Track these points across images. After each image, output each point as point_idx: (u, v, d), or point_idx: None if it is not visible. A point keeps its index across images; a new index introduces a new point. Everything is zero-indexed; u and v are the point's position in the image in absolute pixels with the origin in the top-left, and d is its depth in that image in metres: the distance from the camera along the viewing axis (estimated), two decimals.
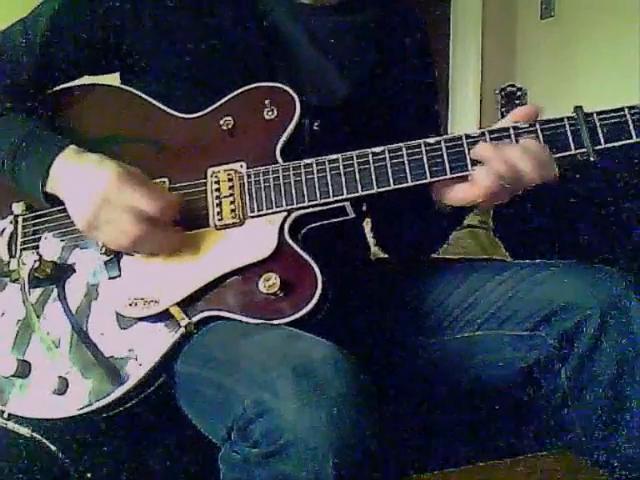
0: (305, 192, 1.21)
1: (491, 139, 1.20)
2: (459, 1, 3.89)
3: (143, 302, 1.21)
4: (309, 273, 1.17)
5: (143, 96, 1.33)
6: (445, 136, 1.22)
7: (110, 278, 1.25)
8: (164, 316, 1.20)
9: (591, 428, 1.26)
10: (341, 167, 1.21)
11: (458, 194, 1.23)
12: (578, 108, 1.19)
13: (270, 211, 1.22)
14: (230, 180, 1.24)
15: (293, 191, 1.22)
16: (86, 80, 1.39)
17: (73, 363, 1.21)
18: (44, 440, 1.20)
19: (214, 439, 1.12)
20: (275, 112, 1.27)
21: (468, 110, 3.70)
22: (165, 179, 1.27)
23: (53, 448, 1.20)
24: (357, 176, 1.21)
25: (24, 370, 1.21)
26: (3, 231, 1.31)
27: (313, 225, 1.24)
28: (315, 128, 1.29)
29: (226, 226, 1.23)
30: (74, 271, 1.27)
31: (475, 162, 1.20)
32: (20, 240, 1.30)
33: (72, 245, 1.28)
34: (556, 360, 1.27)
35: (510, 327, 1.30)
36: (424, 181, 1.20)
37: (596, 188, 2.23)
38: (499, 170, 1.17)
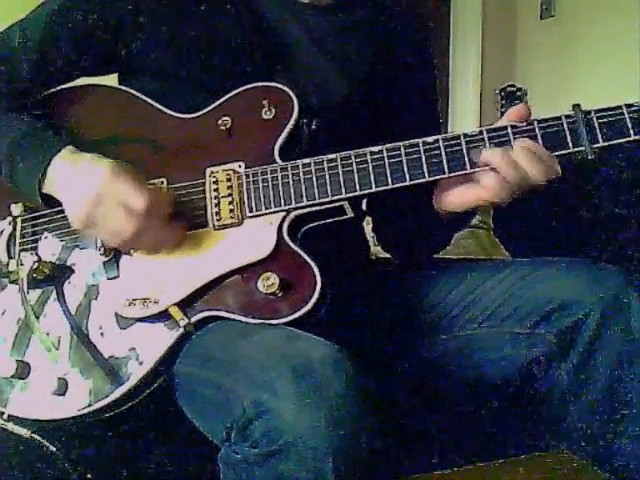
0: (303, 192, 1.21)
1: (489, 138, 1.20)
2: (459, 1, 3.89)
3: (142, 302, 1.21)
4: (308, 273, 1.17)
5: (141, 96, 1.33)
6: (443, 135, 1.21)
7: (109, 279, 1.25)
8: (163, 316, 1.20)
9: (591, 426, 1.26)
10: (339, 166, 1.21)
11: (466, 197, 1.24)
12: (576, 106, 1.19)
13: (269, 211, 1.22)
14: (229, 180, 1.24)
15: (292, 191, 1.22)
16: (84, 81, 1.39)
17: (72, 364, 1.21)
18: (44, 441, 1.19)
19: (214, 439, 1.12)
20: (273, 112, 1.27)
21: (468, 110, 3.71)
22: (163, 179, 1.26)
23: (53, 449, 1.20)
24: (355, 175, 1.21)
25: (24, 371, 1.21)
26: (2, 232, 1.31)
27: (312, 225, 1.24)
28: (313, 128, 1.29)
29: (225, 226, 1.23)
30: (73, 272, 1.27)
31: (474, 163, 1.20)
32: (19, 241, 1.29)
33: (71, 246, 1.28)
34: (556, 358, 1.27)
35: (510, 325, 1.30)
36: (422, 180, 1.20)
37: (596, 187, 2.23)
38: (508, 174, 1.17)
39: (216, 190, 1.24)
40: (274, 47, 1.36)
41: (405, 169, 1.20)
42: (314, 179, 1.21)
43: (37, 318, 1.23)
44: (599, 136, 1.18)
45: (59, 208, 1.24)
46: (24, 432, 1.20)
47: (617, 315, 1.23)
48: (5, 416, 1.20)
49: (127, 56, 1.34)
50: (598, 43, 3.38)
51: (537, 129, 1.19)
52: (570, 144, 1.18)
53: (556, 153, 1.18)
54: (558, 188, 1.24)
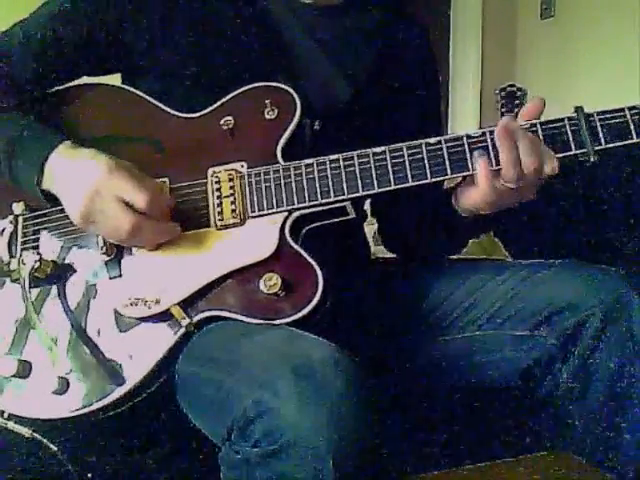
0: (306, 192, 1.22)
1: (492, 139, 1.20)
2: (459, 1, 3.89)
3: (144, 302, 1.21)
4: (310, 273, 1.17)
5: (143, 96, 1.33)
6: (446, 136, 1.22)
7: (111, 278, 1.25)
8: (165, 316, 1.21)
9: (592, 428, 1.26)
10: (342, 167, 1.21)
11: (470, 196, 1.24)
12: (579, 108, 1.19)
13: (271, 211, 1.22)
14: (231, 180, 1.24)
15: (294, 191, 1.22)
16: (87, 80, 1.39)
17: (73, 363, 1.21)
18: (44, 440, 1.19)
19: (214, 439, 1.12)
20: (276, 112, 1.27)
21: (468, 110, 3.70)
22: (165, 179, 1.26)
23: (53, 448, 1.20)
24: (358, 176, 1.21)
25: (24, 370, 1.21)
26: (3, 231, 1.31)
27: (314, 225, 1.24)
28: (316, 128, 1.29)
29: (227, 226, 1.23)
30: (74, 271, 1.27)
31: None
32: (20, 240, 1.30)
33: (72, 245, 1.28)
34: (557, 360, 1.27)
35: (511, 327, 1.30)
36: (425, 181, 1.20)
37: (596, 188, 2.23)
38: (505, 159, 1.17)
39: (218, 190, 1.24)
40: (277, 48, 1.37)
41: (407, 170, 1.20)
42: (317, 179, 1.22)
43: (38, 317, 1.22)
44: (601, 138, 1.18)
45: (61, 207, 1.24)
46: (24, 431, 1.19)
47: (618, 317, 1.23)
48: (5, 415, 1.20)
49: (129, 55, 1.34)
50: (598, 43, 3.37)
51: (539, 130, 1.19)
52: (572, 146, 1.19)
53: (558, 155, 1.18)
54: (559, 189, 1.24)
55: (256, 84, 1.30)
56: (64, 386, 1.19)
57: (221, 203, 1.24)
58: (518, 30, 3.80)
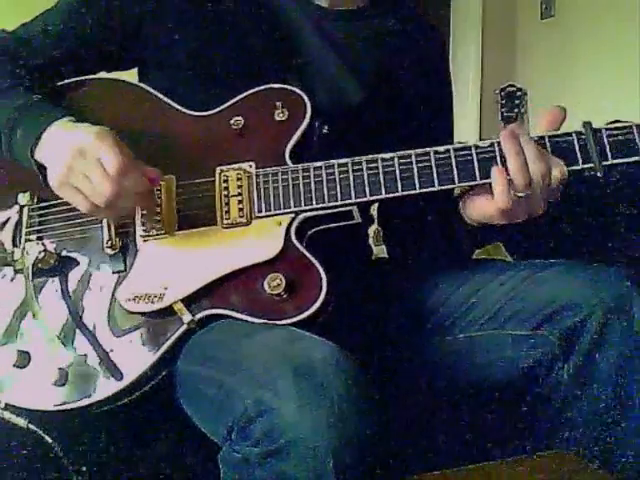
0: (313, 195, 1.22)
1: (500, 150, 1.20)
2: (459, 1, 3.88)
3: (147, 297, 1.21)
4: (314, 275, 1.17)
5: (154, 92, 1.34)
6: (455, 145, 1.22)
7: (114, 272, 1.25)
8: (167, 312, 1.21)
9: (593, 427, 1.27)
10: (350, 171, 1.22)
11: (483, 209, 1.25)
12: (587, 124, 1.20)
13: (278, 212, 1.22)
14: (239, 179, 1.25)
15: (301, 193, 1.22)
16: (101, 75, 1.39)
17: (74, 355, 1.21)
18: (40, 431, 1.19)
19: (214, 438, 1.12)
20: (286, 114, 1.27)
21: (468, 110, 3.69)
22: (173, 176, 1.27)
23: (49, 440, 1.20)
24: (366, 181, 1.21)
25: (23, 361, 1.21)
26: (8, 220, 1.30)
27: (319, 228, 1.24)
28: (325, 131, 1.29)
29: (233, 225, 1.23)
30: (78, 263, 1.27)
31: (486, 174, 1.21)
32: (25, 230, 1.29)
33: (77, 237, 1.28)
34: (558, 360, 1.28)
35: (512, 327, 1.31)
36: (432, 189, 1.21)
37: (596, 187, 2.23)
38: (514, 163, 1.17)
39: (226, 189, 1.24)
40: (289, 49, 1.37)
41: (415, 177, 1.20)
42: (324, 182, 1.22)
43: (40, 308, 1.23)
44: (609, 154, 1.18)
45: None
46: (21, 422, 1.19)
47: (619, 316, 1.23)
48: (2, 405, 1.20)
49: (143, 52, 1.35)
50: (598, 43, 3.37)
51: (547, 143, 1.20)
52: (580, 160, 1.19)
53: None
54: (560, 190, 1.24)
55: (267, 86, 1.30)
56: (64, 378, 1.19)
57: (228, 202, 1.24)
58: (518, 30, 3.80)
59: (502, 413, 1.36)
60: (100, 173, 1.15)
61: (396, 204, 1.28)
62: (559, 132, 1.20)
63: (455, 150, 1.21)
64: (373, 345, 1.34)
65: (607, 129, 1.19)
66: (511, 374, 1.32)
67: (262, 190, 1.24)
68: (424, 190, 1.20)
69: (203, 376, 1.16)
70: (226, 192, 1.24)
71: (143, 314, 1.22)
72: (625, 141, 1.19)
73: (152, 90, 1.34)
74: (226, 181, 1.25)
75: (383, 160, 1.22)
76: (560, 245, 2.06)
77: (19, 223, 1.30)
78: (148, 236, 1.25)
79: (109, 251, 1.25)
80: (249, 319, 1.17)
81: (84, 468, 1.24)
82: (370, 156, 1.22)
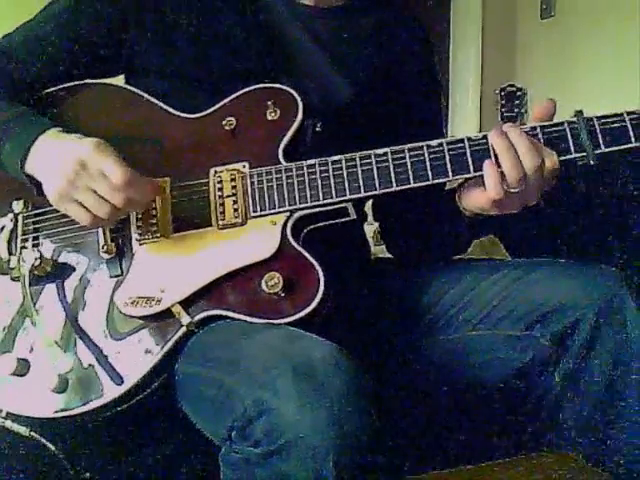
0: (308, 193, 1.22)
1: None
2: (459, 1, 3.88)
3: (145, 301, 1.21)
4: (311, 273, 1.17)
5: (145, 96, 1.34)
6: (447, 139, 1.22)
7: (111, 277, 1.25)
8: (165, 315, 1.21)
9: (585, 428, 1.27)
10: (344, 168, 1.22)
11: (476, 199, 1.25)
12: (579, 112, 1.20)
13: (273, 211, 1.23)
14: (233, 180, 1.25)
15: (296, 192, 1.22)
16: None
17: (73, 362, 1.21)
18: (42, 439, 1.19)
19: (214, 439, 1.12)
20: (278, 113, 1.28)
21: (468, 110, 3.69)
22: (167, 178, 1.27)
23: (51, 447, 1.20)
24: (360, 177, 1.21)
25: (23, 368, 1.21)
26: (3, 228, 1.30)
27: (315, 226, 1.24)
28: (317, 129, 1.29)
29: (228, 226, 1.23)
30: (74, 269, 1.27)
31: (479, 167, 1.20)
32: (20, 238, 1.30)
33: (73, 243, 1.28)
34: (551, 361, 1.28)
35: (504, 327, 1.31)
36: (426, 183, 1.21)
37: (595, 187, 2.23)
38: (505, 158, 1.17)
39: (220, 190, 1.25)
40: (278, 49, 1.37)
41: (409, 172, 1.20)
42: (318, 180, 1.22)
43: (38, 315, 1.22)
44: (601, 142, 1.19)
45: None
46: (23, 430, 1.19)
47: (612, 317, 1.23)
48: (3, 414, 1.20)
49: (131, 57, 1.35)
50: (598, 43, 3.36)
51: (540, 134, 1.20)
52: (572, 149, 1.19)
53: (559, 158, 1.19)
54: (557, 188, 1.24)
55: (258, 85, 1.30)
56: (64, 385, 1.19)
57: (223, 203, 1.24)
58: (518, 30, 3.79)
59: (500, 413, 1.36)
60: (107, 186, 1.16)
61: (392, 201, 1.28)
62: (551, 122, 1.20)
63: (448, 143, 1.21)
64: (370, 344, 1.33)
65: (599, 117, 1.20)
66: (504, 375, 1.32)
67: (256, 190, 1.24)
68: (418, 184, 1.20)
69: (203, 377, 1.16)
70: (220, 193, 1.24)
71: (141, 318, 1.21)
72: (617, 129, 1.19)
73: (142, 93, 1.34)
74: (220, 182, 1.25)
75: (376, 156, 1.22)
76: (559, 245, 2.07)
77: (14, 231, 1.30)
78: (144, 239, 1.25)
79: (105, 256, 1.25)
80: (247, 319, 1.17)
81: (87, 474, 1.24)
82: (364, 152, 1.22)
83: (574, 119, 1.20)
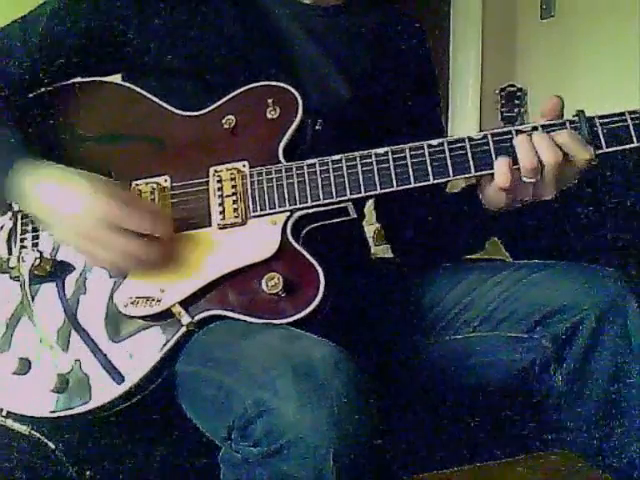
0: (308, 192, 1.22)
1: (494, 142, 1.20)
2: (459, 1, 3.88)
3: (145, 301, 1.21)
4: (312, 273, 1.17)
5: (145, 93, 1.33)
6: (448, 138, 1.22)
7: (111, 276, 1.24)
8: (165, 315, 1.20)
9: (587, 430, 1.27)
10: (344, 167, 1.22)
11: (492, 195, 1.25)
12: (580, 112, 1.20)
13: (273, 211, 1.22)
14: (233, 179, 1.24)
15: (296, 191, 1.22)
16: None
17: (73, 362, 1.20)
18: (43, 438, 1.19)
19: (214, 439, 1.12)
20: (278, 112, 1.27)
21: (468, 110, 3.68)
22: (167, 177, 1.26)
23: (52, 446, 1.20)
24: (360, 177, 1.21)
25: (23, 368, 1.20)
26: (2, 227, 1.30)
27: (315, 225, 1.24)
28: (317, 128, 1.29)
29: (228, 225, 1.23)
30: (74, 268, 1.27)
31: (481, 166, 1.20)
32: (20, 237, 1.29)
33: None
34: (552, 362, 1.28)
35: (506, 328, 1.31)
36: (427, 182, 1.20)
37: (595, 188, 2.23)
38: (525, 156, 1.18)
39: (220, 189, 1.24)
40: (278, 47, 1.37)
41: (410, 171, 1.20)
42: (319, 180, 1.22)
43: (38, 315, 1.22)
44: (602, 142, 1.18)
45: None
46: (23, 429, 1.19)
47: (613, 319, 1.23)
48: (4, 413, 1.20)
49: (129, 55, 1.34)
50: (598, 43, 3.37)
51: (541, 132, 1.19)
52: None
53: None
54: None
55: (258, 83, 1.30)
56: (64, 384, 1.19)
57: (223, 202, 1.23)
58: (518, 30, 3.79)
59: (501, 413, 1.36)
60: (137, 245, 1.15)
61: (395, 201, 1.28)
62: (552, 122, 1.20)
63: (449, 143, 1.21)
64: (371, 345, 1.33)
65: (600, 117, 1.20)
66: (506, 376, 1.32)
67: (256, 189, 1.23)
68: (419, 184, 1.20)
69: (203, 377, 1.16)
70: (220, 192, 1.24)
71: (141, 318, 1.21)
72: (618, 129, 1.19)
73: (142, 91, 1.33)
74: (220, 181, 1.25)
75: (377, 155, 1.22)
76: (559, 245, 2.06)
77: (13, 230, 1.30)
78: None
79: None
80: (248, 319, 1.17)
81: (87, 473, 1.24)
82: (364, 151, 1.22)
83: (575, 118, 1.20)
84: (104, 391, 1.18)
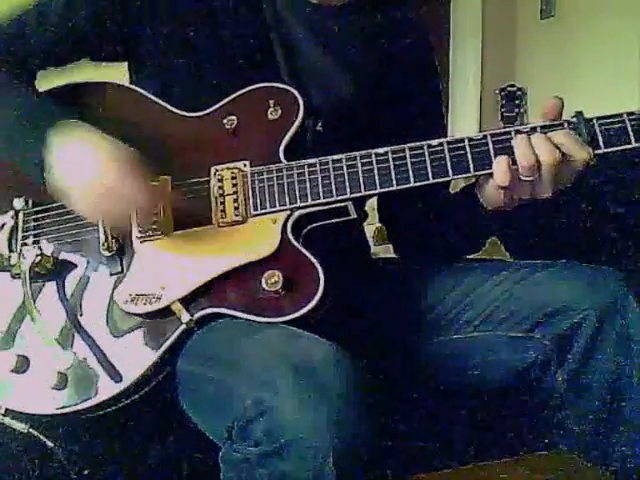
0: (308, 191, 1.22)
1: (493, 142, 1.20)
2: (459, 1, 3.88)
3: (144, 298, 1.21)
4: (311, 272, 1.17)
5: (148, 95, 1.34)
6: (448, 138, 1.22)
7: (112, 274, 1.25)
8: (165, 312, 1.20)
9: (588, 429, 1.27)
10: (344, 167, 1.22)
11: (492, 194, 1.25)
12: (579, 113, 1.20)
13: (273, 210, 1.22)
14: (234, 178, 1.25)
15: (296, 190, 1.22)
16: (92, 78, 1.38)
17: (73, 359, 1.21)
18: (41, 436, 1.19)
19: (215, 438, 1.12)
20: (279, 112, 1.28)
21: (468, 110, 3.69)
22: (168, 177, 1.26)
23: (50, 444, 1.20)
24: (360, 176, 1.21)
25: (22, 365, 1.21)
26: (4, 225, 1.30)
27: (315, 225, 1.24)
28: (318, 128, 1.30)
29: (229, 224, 1.23)
30: (75, 266, 1.27)
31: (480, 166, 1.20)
32: (21, 235, 1.30)
33: (73, 240, 1.28)
34: (552, 362, 1.28)
35: (507, 328, 1.31)
36: (426, 182, 1.21)
37: (596, 187, 2.23)
38: (523, 156, 1.17)
39: (221, 188, 1.24)
40: (280, 47, 1.36)
41: (410, 171, 1.21)
42: (319, 179, 1.22)
43: (38, 312, 1.22)
44: (601, 143, 1.19)
45: (61, 202, 1.24)
46: (22, 427, 1.19)
47: (614, 319, 1.23)
48: (2, 410, 1.20)
49: (137, 45, 1.35)
50: (598, 43, 3.37)
51: (540, 133, 1.19)
52: None
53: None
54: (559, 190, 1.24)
55: (260, 84, 1.30)
56: (63, 382, 1.19)
57: (224, 201, 1.24)
58: (518, 30, 3.80)
59: (501, 413, 1.37)
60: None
61: (397, 201, 1.28)
62: (551, 122, 1.20)
63: (448, 143, 1.21)
64: (371, 345, 1.33)
65: (599, 118, 1.20)
66: (506, 376, 1.32)
67: (257, 189, 1.24)
68: (419, 184, 1.20)
69: (203, 376, 1.16)
70: (221, 191, 1.24)
71: (142, 315, 1.21)
72: (617, 130, 1.19)
73: (144, 92, 1.34)
74: (221, 180, 1.25)
75: (377, 155, 1.22)
76: (559, 245, 2.06)
77: (15, 228, 1.30)
78: (144, 237, 1.25)
79: (105, 253, 1.25)
80: (247, 317, 1.17)
81: (86, 471, 1.24)
82: (364, 151, 1.22)
83: (574, 119, 1.20)
84: (103, 389, 1.18)
